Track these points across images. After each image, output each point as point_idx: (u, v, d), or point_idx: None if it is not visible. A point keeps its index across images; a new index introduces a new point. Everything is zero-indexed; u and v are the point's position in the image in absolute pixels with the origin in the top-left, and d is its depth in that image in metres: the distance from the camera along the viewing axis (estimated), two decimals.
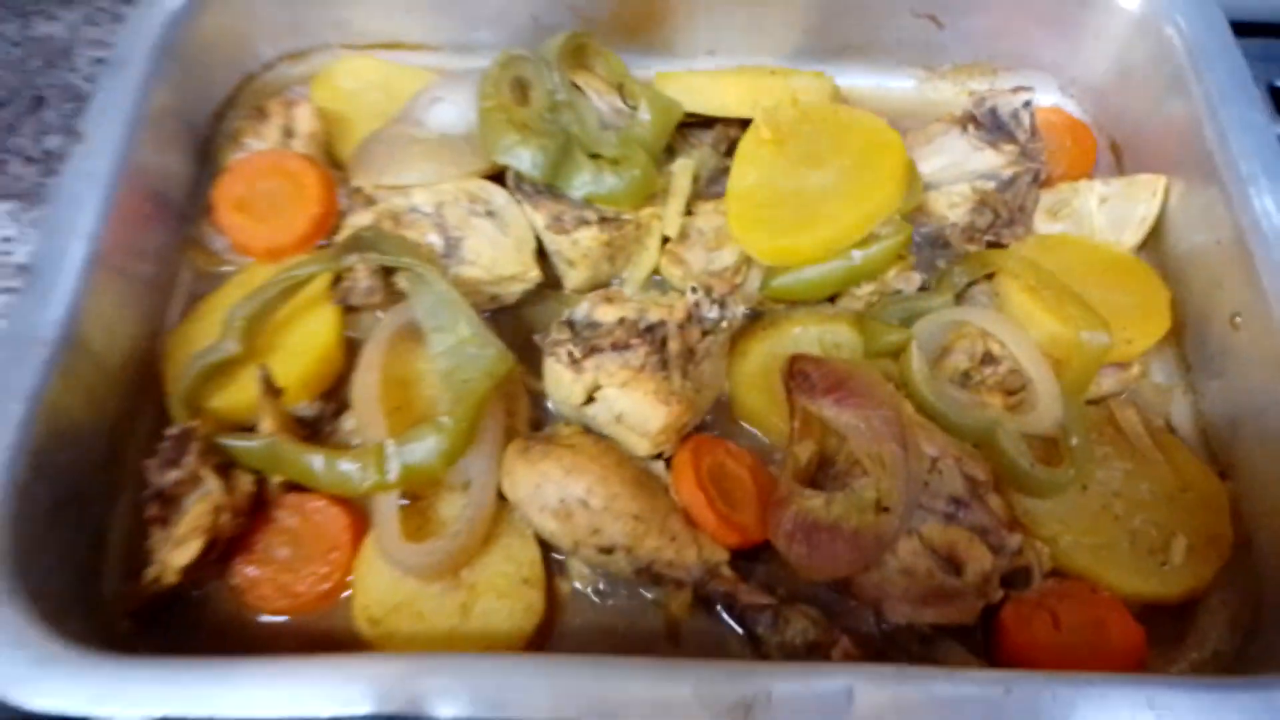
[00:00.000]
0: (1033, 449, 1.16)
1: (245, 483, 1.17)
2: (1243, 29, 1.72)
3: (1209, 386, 1.27)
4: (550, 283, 1.38)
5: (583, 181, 1.34)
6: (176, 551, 1.11)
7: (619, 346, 1.17)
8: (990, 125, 1.35)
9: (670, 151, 1.44)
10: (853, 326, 1.30)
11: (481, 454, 1.16)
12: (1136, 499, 1.17)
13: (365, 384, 1.21)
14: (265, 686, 0.95)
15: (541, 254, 1.36)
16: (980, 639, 1.11)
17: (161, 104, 1.39)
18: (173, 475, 1.14)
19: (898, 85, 1.60)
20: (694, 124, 1.47)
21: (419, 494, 1.21)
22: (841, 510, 1.09)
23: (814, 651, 1.06)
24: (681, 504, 1.15)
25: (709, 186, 1.44)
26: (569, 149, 1.35)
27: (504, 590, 1.13)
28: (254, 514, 1.18)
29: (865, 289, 1.32)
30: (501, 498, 1.17)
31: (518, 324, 1.36)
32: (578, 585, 1.17)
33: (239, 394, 1.23)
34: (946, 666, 1.05)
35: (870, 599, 1.10)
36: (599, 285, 1.39)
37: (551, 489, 1.12)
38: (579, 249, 1.33)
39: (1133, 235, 1.37)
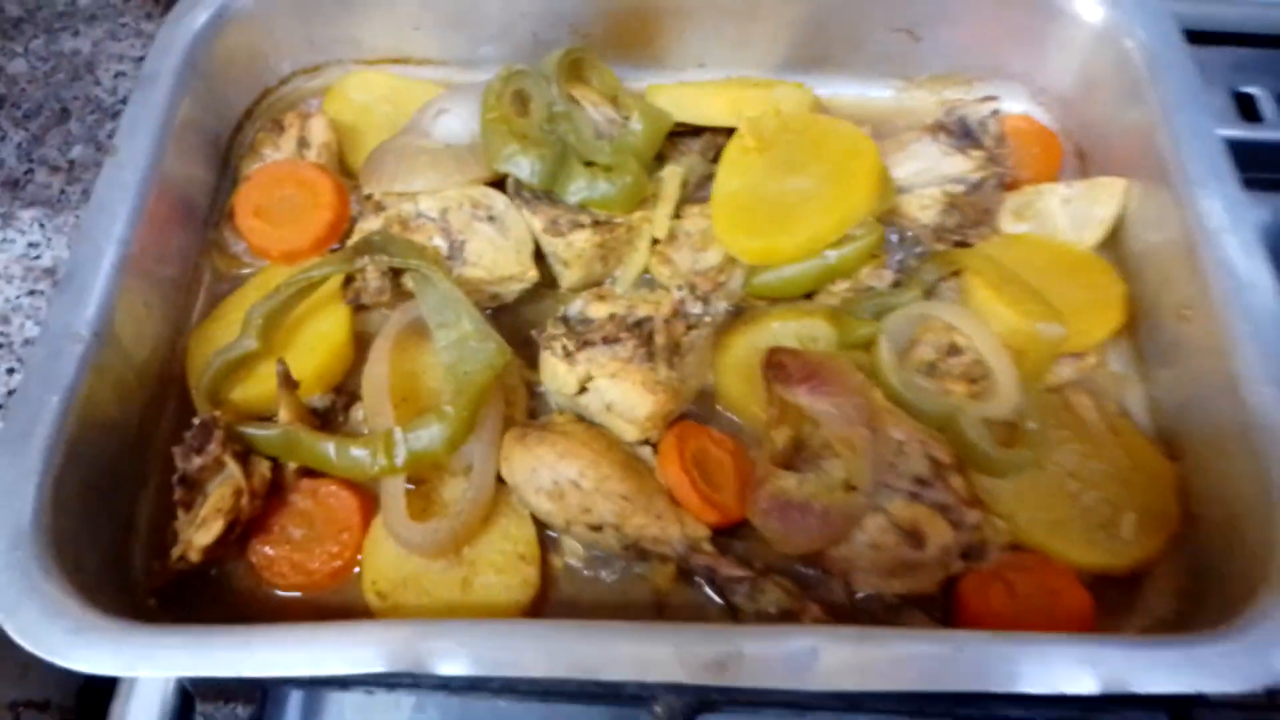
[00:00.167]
0: (993, 433, 1.23)
1: (263, 468, 1.24)
2: (1209, 38, 1.82)
3: (1161, 375, 1.33)
4: (547, 282, 1.44)
5: (578, 188, 1.41)
6: (200, 532, 1.18)
7: (609, 340, 1.26)
8: (959, 133, 1.42)
9: (661, 158, 1.51)
10: (828, 321, 1.37)
11: (482, 440, 1.23)
12: (1089, 478, 1.23)
13: (374, 376, 1.28)
14: (283, 649, 1.01)
15: (539, 255, 1.43)
16: (942, 607, 1.18)
17: (186, 117, 1.46)
18: (197, 461, 1.21)
19: (877, 95, 1.66)
20: (683, 133, 1.54)
21: (424, 478, 1.27)
22: (813, 489, 1.17)
23: (787, 618, 1.13)
24: (666, 485, 1.23)
25: (696, 191, 1.50)
26: (565, 157, 1.42)
27: (502, 566, 1.21)
28: (271, 497, 1.25)
29: (840, 286, 1.38)
30: (500, 481, 1.24)
31: (517, 320, 1.43)
32: (570, 561, 1.25)
33: (258, 387, 1.31)
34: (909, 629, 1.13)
35: (840, 571, 1.18)
36: (592, 284, 1.46)
37: (546, 472, 1.20)
38: (574, 250, 1.41)
39: (1093, 235, 1.43)
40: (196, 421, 1.24)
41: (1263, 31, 1.85)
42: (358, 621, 1.05)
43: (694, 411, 1.35)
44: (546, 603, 1.22)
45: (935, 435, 1.23)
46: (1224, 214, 1.26)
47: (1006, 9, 1.55)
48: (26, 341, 1.50)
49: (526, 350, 1.34)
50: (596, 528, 1.19)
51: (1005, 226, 1.46)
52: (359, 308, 1.39)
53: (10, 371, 1.48)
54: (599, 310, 1.28)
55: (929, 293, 1.38)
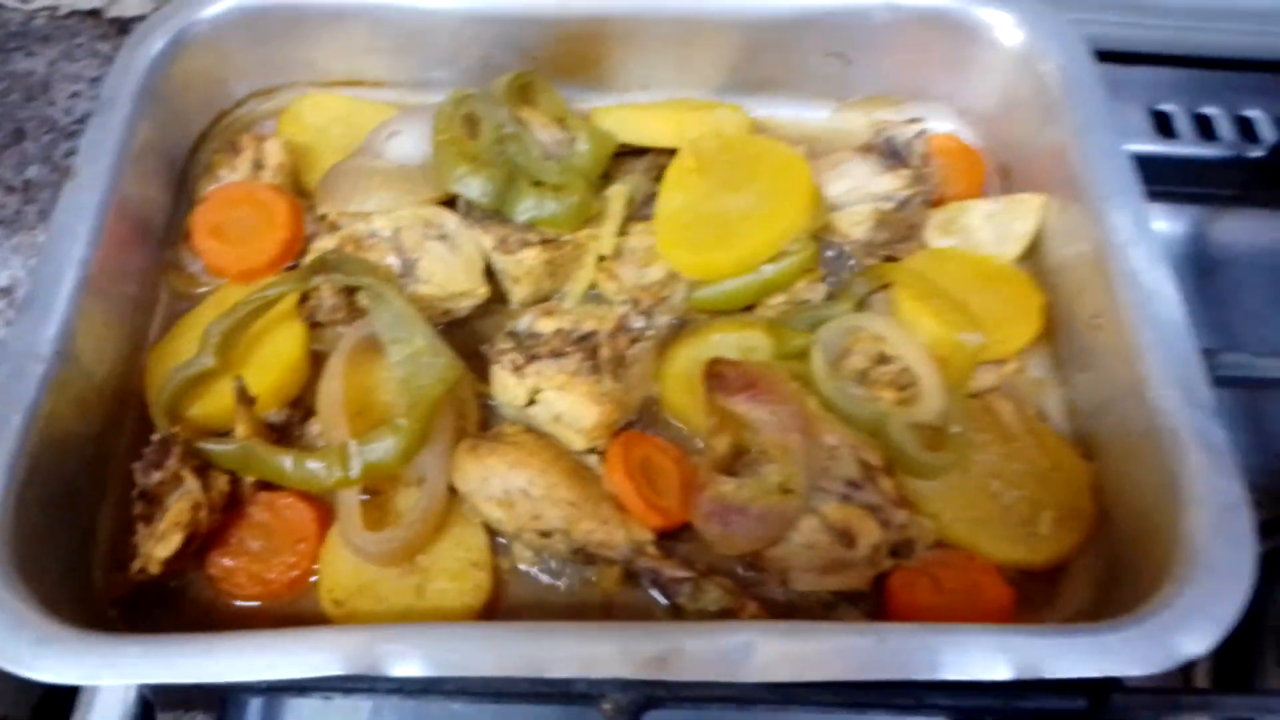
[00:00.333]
0: (920, 437, 1.29)
1: (221, 482, 1.27)
2: (1129, 58, 1.91)
3: (1076, 380, 1.40)
4: (498, 298, 1.48)
5: (527, 207, 1.44)
6: (159, 545, 1.21)
7: (556, 354, 1.31)
8: (887, 153, 1.49)
9: (607, 178, 1.54)
10: (766, 332, 1.42)
11: (435, 452, 1.27)
12: (1010, 478, 1.30)
13: (329, 391, 1.31)
14: (242, 656, 1.04)
15: (489, 272, 1.47)
16: (873, 603, 1.24)
17: (144, 140, 1.49)
18: (156, 476, 1.23)
19: (812, 115, 1.72)
20: (628, 153, 1.57)
21: (378, 489, 1.31)
22: (751, 493, 1.23)
23: (727, 616, 1.19)
24: (612, 491, 1.27)
25: (641, 209, 1.54)
26: (514, 178, 1.45)
27: (455, 572, 1.25)
28: (229, 510, 1.27)
29: (778, 299, 1.44)
30: (452, 490, 1.28)
31: (468, 335, 1.46)
32: (521, 566, 1.29)
33: (215, 403, 1.33)
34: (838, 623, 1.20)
35: (777, 570, 1.24)
36: (541, 299, 1.50)
37: (496, 481, 1.24)
38: (523, 267, 1.45)
39: (1013, 248, 1.50)
40: (155, 438, 1.26)
41: (1179, 53, 1.94)
42: (314, 628, 1.08)
43: (639, 420, 1.40)
44: (499, 607, 1.26)
45: (866, 440, 1.29)
46: (1131, 228, 1.33)
47: (932, 35, 1.62)
48: None
49: (478, 363, 1.38)
50: (546, 534, 1.24)
51: (932, 241, 1.52)
52: (314, 325, 1.43)
53: None
54: (546, 325, 1.34)
55: (860, 305, 1.44)
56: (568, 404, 1.29)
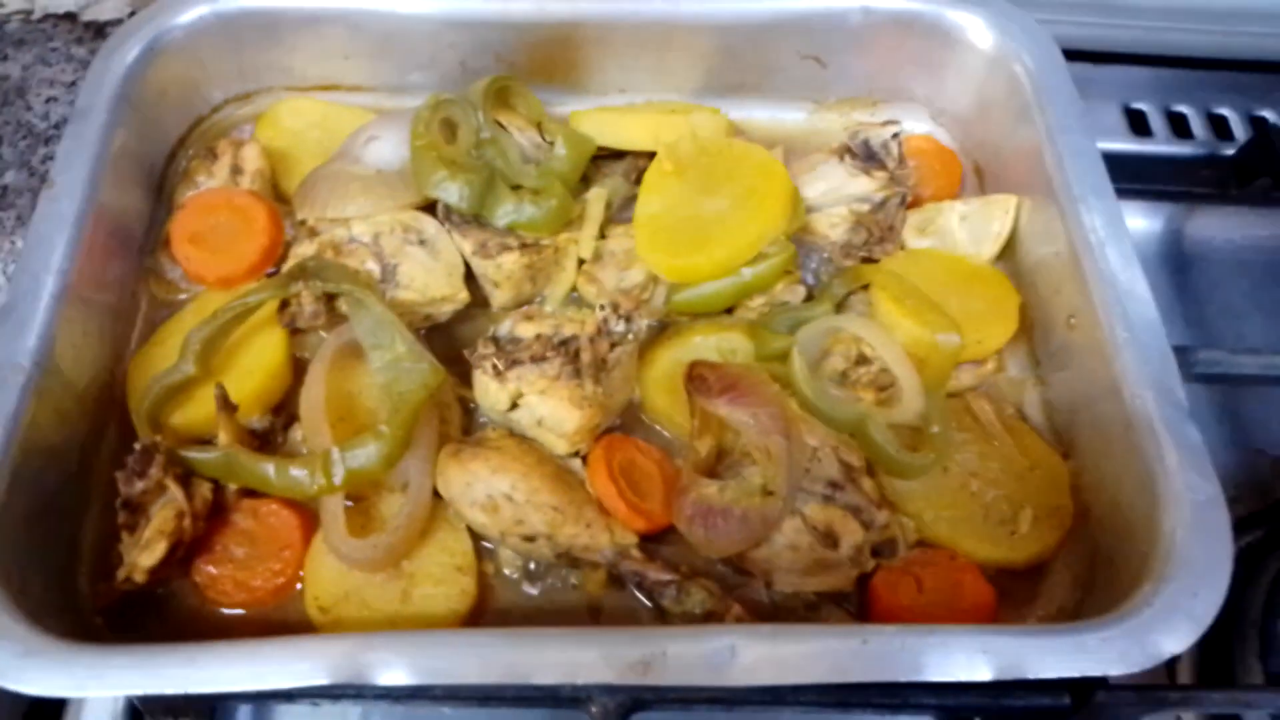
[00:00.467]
0: (900, 437, 1.30)
1: (204, 490, 1.27)
2: (1103, 57, 1.93)
3: (1054, 378, 1.42)
4: (479, 302, 1.48)
5: (505, 211, 1.45)
6: (144, 554, 1.20)
7: (537, 359, 1.31)
8: (864, 155, 1.50)
9: (586, 181, 1.56)
10: (746, 335, 1.43)
11: (418, 457, 1.27)
12: (990, 477, 1.32)
13: (311, 398, 1.31)
14: (229, 665, 1.05)
15: (470, 277, 1.47)
16: (857, 603, 1.26)
17: (121, 147, 1.48)
18: (139, 485, 1.23)
19: (789, 117, 1.73)
20: (606, 156, 1.59)
21: (362, 495, 1.31)
22: (733, 495, 1.24)
23: (710, 619, 1.19)
24: (595, 495, 1.28)
25: (620, 212, 1.55)
26: (493, 182, 1.46)
27: (440, 578, 1.25)
28: (213, 518, 1.27)
29: (757, 301, 1.45)
30: (436, 495, 1.28)
31: (450, 340, 1.47)
32: (506, 570, 1.30)
33: (197, 410, 1.33)
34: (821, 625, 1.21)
35: (761, 571, 1.25)
36: (522, 303, 1.50)
37: (480, 486, 1.24)
38: (503, 272, 1.45)
39: (989, 248, 1.51)
40: (138, 446, 1.26)
41: (1153, 52, 1.97)
42: (300, 636, 1.08)
43: (622, 424, 1.41)
44: (484, 611, 1.26)
45: (847, 441, 1.31)
46: (1105, 228, 1.35)
47: (906, 37, 1.63)
48: None
49: (460, 368, 1.38)
50: (530, 538, 1.25)
51: (909, 242, 1.54)
52: (295, 331, 1.43)
53: None
54: (527, 330, 1.34)
55: (839, 306, 1.45)
56: (549, 408, 1.30)
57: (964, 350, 1.37)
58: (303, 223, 1.49)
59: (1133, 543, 1.19)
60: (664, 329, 1.49)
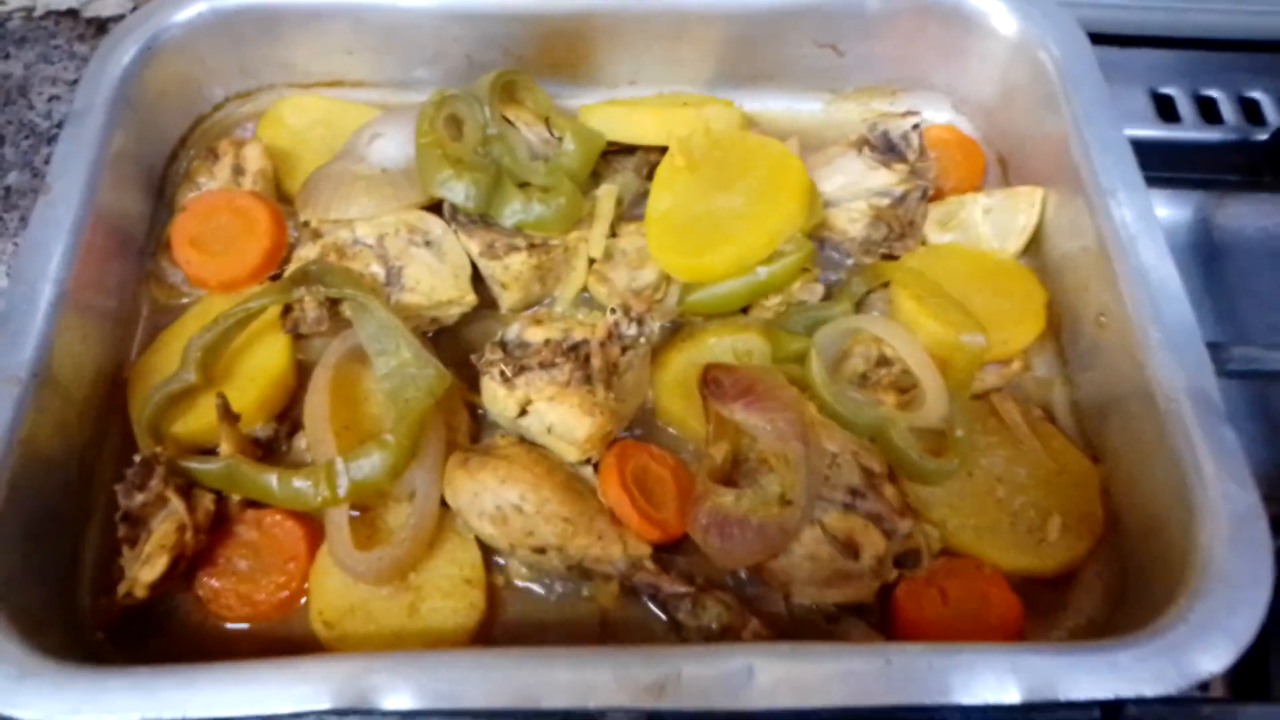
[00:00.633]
0: (922, 441, 1.26)
1: (207, 501, 1.24)
2: (1129, 40, 1.87)
3: (1083, 378, 1.37)
4: (486, 304, 1.45)
5: (513, 211, 1.42)
6: (145, 568, 1.18)
7: (546, 365, 1.27)
8: (883, 147, 1.45)
9: (596, 177, 1.52)
10: (762, 335, 1.40)
11: (424, 466, 1.24)
12: (1017, 483, 1.27)
13: (315, 406, 1.28)
14: (229, 689, 1.02)
15: (477, 278, 1.44)
16: (879, 615, 1.22)
17: (120, 149, 1.46)
18: (140, 498, 1.21)
19: (806, 107, 1.69)
20: (616, 151, 1.55)
21: (368, 505, 1.28)
22: (750, 504, 1.20)
23: (727, 633, 1.16)
24: (608, 504, 1.24)
25: (631, 209, 1.52)
26: (500, 181, 1.43)
27: (448, 590, 1.22)
28: (216, 530, 1.25)
29: (773, 300, 1.41)
30: (444, 505, 1.25)
31: (458, 343, 1.44)
32: (516, 582, 1.26)
33: (199, 420, 1.31)
34: (845, 642, 1.16)
35: (779, 583, 1.21)
36: (532, 304, 1.48)
37: (489, 496, 1.21)
38: (511, 273, 1.42)
39: (1014, 243, 1.47)
40: (138, 459, 1.24)
41: (1180, 34, 1.90)
42: (301, 658, 1.05)
43: (635, 428, 1.37)
44: (494, 625, 1.23)
45: (867, 446, 1.26)
46: (1136, 222, 1.30)
47: (926, 23, 1.58)
48: None
49: (468, 372, 1.34)
50: (540, 550, 1.21)
51: (931, 236, 1.49)
52: (298, 336, 1.40)
53: None
54: (536, 334, 1.30)
55: (859, 305, 1.42)
56: (559, 416, 1.26)
57: (989, 350, 1.32)
58: (306, 224, 1.47)
59: (1167, 553, 1.15)
60: (677, 330, 1.46)
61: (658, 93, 1.67)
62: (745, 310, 1.45)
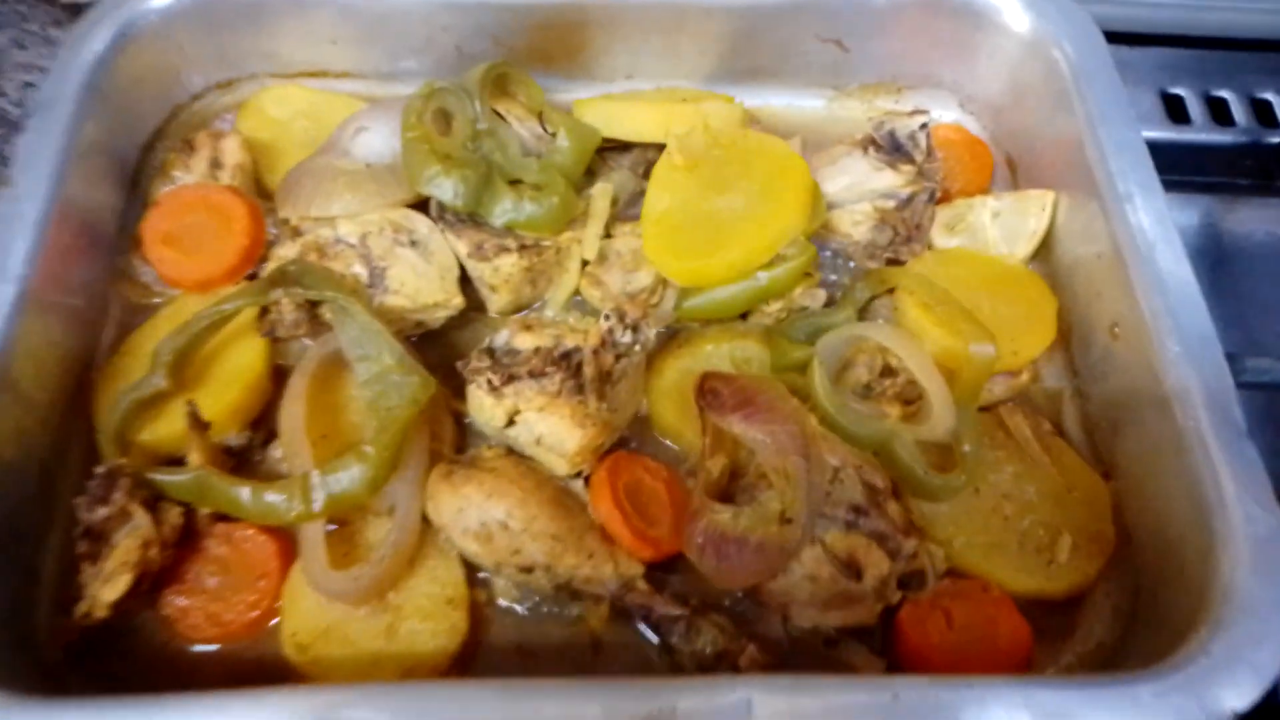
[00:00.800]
0: (928, 455, 1.21)
1: (174, 515, 1.19)
2: (1134, 39, 1.82)
3: (1094, 391, 1.32)
4: (475, 306, 1.40)
5: (504, 209, 1.36)
6: (106, 587, 1.13)
7: (536, 374, 1.21)
8: (889, 147, 1.41)
9: (590, 175, 1.47)
10: (761, 343, 1.35)
11: (406, 479, 1.19)
12: (1025, 500, 1.22)
13: (291, 414, 1.23)
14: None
15: (465, 280, 1.39)
16: (881, 638, 1.16)
17: (91, 140, 1.40)
18: (102, 512, 1.15)
19: (808, 104, 1.64)
20: (612, 148, 1.51)
21: (345, 519, 1.23)
22: (748, 522, 1.14)
23: (723, 659, 1.11)
24: (599, 521, 1.19)
25: (627, 209, 1.47)
26: (490, 178, 1.38)
27: (429, 612, 1.17)
28: (183, 544, 1.19)
29: (774, 306, 1.36)
30: (426, 521, 1.20)
31: (445, 347, 1.39)
32: (502, 602, 1.21)
33: (168, 427, 1.25)
34: (844, 671, 1.11)
35: (778, 605, 1.16)
36: (522, 307, 1.43)
37: (473, 512, 1.16)
38: (500, 275, 1.37)
39: (1024, 247, 1.42)
40: (100, 470, 1.18)
41: (1191, 33, 1.86)
42: (269, 689, 0.99)
43: (629, 438, 1.32)
44: (477, 648, 1.18)
45: (870, 460, 1.21)
46: (1153, 228, 1.25)
47: (935, 19, 1.54)
48: None
49: (455, 378, 1.29)
50: (527, 569, 1.16)
51: (937, 241, 1.45)
52: (275, 340, 1.34)
53: None
54: (525, 341, 1.24)
55: (862, 312, 1.37)
56: (549, 427, 1.20)
57: (998, 361, 1.26)
58: (285, 222, 1.41)
59: (1182, 577, 1.11)
60: (673, 336, 1.41)
61: (655, 87, 1.63)
62: (744, 316, 1.40)
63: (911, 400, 1.27)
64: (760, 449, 1.18)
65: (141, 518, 1.16)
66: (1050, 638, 1.18)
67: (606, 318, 1.23)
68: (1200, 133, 1.76)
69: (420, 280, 1.35)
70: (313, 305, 1.31)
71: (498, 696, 0.97)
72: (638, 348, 1.25)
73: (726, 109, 1.51)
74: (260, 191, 1.51)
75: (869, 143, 1.42)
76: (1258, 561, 1.03)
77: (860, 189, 1.41)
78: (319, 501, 1.14)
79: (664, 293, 1.39)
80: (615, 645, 1.18)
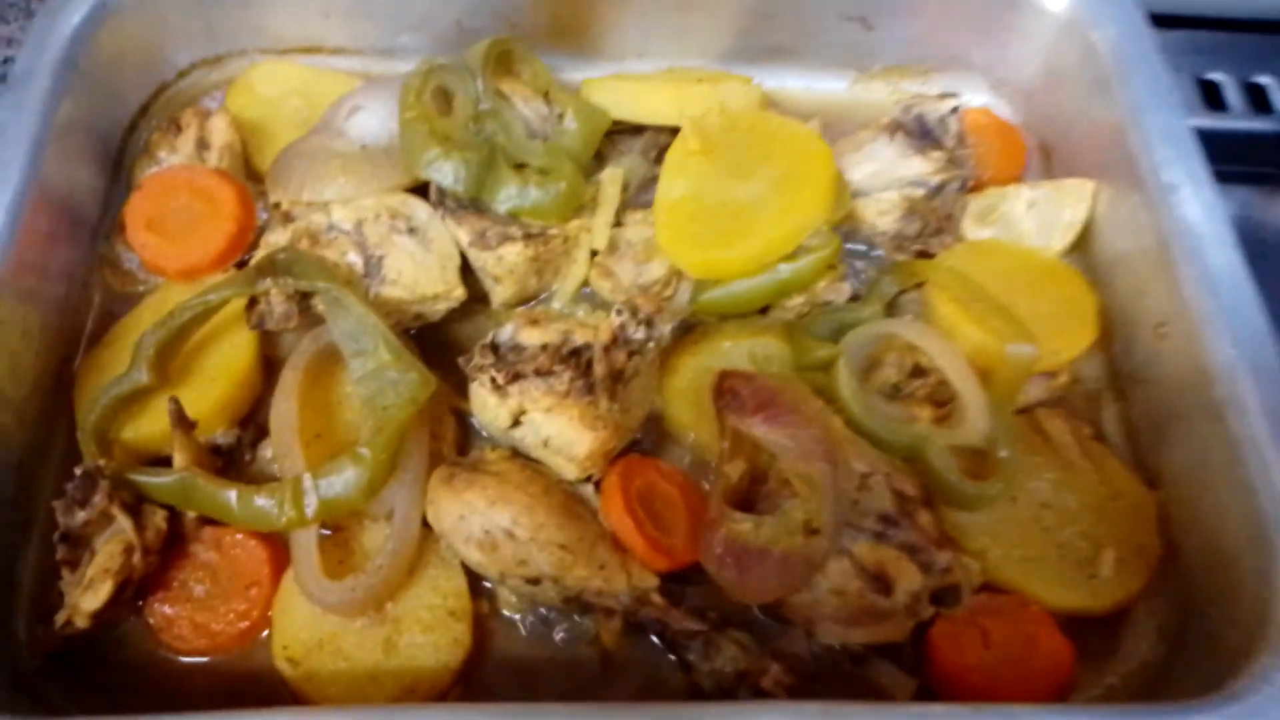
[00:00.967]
0: (962, 461, 1.15)
1: (158, 519, 1.12)
2: (1168, 21, 1.74)
3: (1136, 393, 1.26)
4: (477, 298, 1.34)
5: (508, 195, 1.30)
6: (86, 595, 1.07)
7: (543, 372, 1.15)
8: (918, 132, 1.34)
9: (599, 159, 1.42)
10: (783, 340, 1.28)
11: (404, 483, 1.13)
12: (1065, 510, 1.16)
13: (282, 412, 1.17)
14: None
15: (467, 270, 1.32)
16: (912, 657, 1.10)
17: (69, 119, 1.34)
18: (81, 516, 1.10)
19: (829, 86, 1.58)
20: (623, 131, 1.45)
21: (340, 524, 1.16)
22: (771, 533, 1.07)
23: (744, 679, 1.05)
24: (610, 529, 1.12)
25: (638, 195, 1.41)
26: (493, 161, 1.32)
27: (429, 624, 1.10)
28: (169, 549, 1.13)
29: (796, 301, 1.30)
30: (426, 527, 1.13)
31: (445, 340, 1.33)
32: (507, 613, 1.14)
33: (152, 425, 1.19)
34: (872, 692, 1.05)
35: (802, 620, 1.10)
36: (528, 299, 1.37)
37: (476, 520, 1.09)
38: (504, 265, 1.30)
39: (1060, 240, 1.35)
40: (79, 471, 1.11)
41: (1230, 16, 1.79)
42: (255, 712, 0.93)
43: (641, 439, 1.25)
44: (480, 663, 1.12)
45: (900, 466, 1.15)
46: (1203, 223, 1.19)
47: None
48: None
49: (456, 374, 1.22)
50: (534, 580, 1.09)
51: (968, 232, 1.38)
52: (265, 332, 1.27)
53: None
54: (531, 337, 1.17)
55: (889, 307, 1.31)
56: (557, 429, 1.14)
57: (1036, 362, 1.20)
58: (276, 206, 1.36)
59: (1236, 596, 1.04)
60: (688, 331, 1.34)
61: (668, 67, 1.56)
62: (764, 311, 1.33)
63: (943, 402, 1.20)
64: (782, 453, 1.11)
65: (123, 522, 1.10)
66: (1089, 657, 1.11)
67: (619, 312, 1.16)
68: (1238, 120, 1.69)
69: (419, 270, 1.29)
70: (304, 296, 1.25)
71: None
72: (651, 344, 1.18)
73: (744, 90, 1.44)
74: (249, 174, 1.46)
75: (896, 127, 1.36)
76: None
77: (887, 176, 1.35)
78: (312, 507, 1.08)
79: (678, 285, 1.33)
80: (628, 662, 1.12)
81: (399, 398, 1.12)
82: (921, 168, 1.34)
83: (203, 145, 1.42)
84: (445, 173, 1.28)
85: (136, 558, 1.09)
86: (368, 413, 1.13)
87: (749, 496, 1.15)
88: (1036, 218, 1.36)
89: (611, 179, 1.38)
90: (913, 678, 1.08)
